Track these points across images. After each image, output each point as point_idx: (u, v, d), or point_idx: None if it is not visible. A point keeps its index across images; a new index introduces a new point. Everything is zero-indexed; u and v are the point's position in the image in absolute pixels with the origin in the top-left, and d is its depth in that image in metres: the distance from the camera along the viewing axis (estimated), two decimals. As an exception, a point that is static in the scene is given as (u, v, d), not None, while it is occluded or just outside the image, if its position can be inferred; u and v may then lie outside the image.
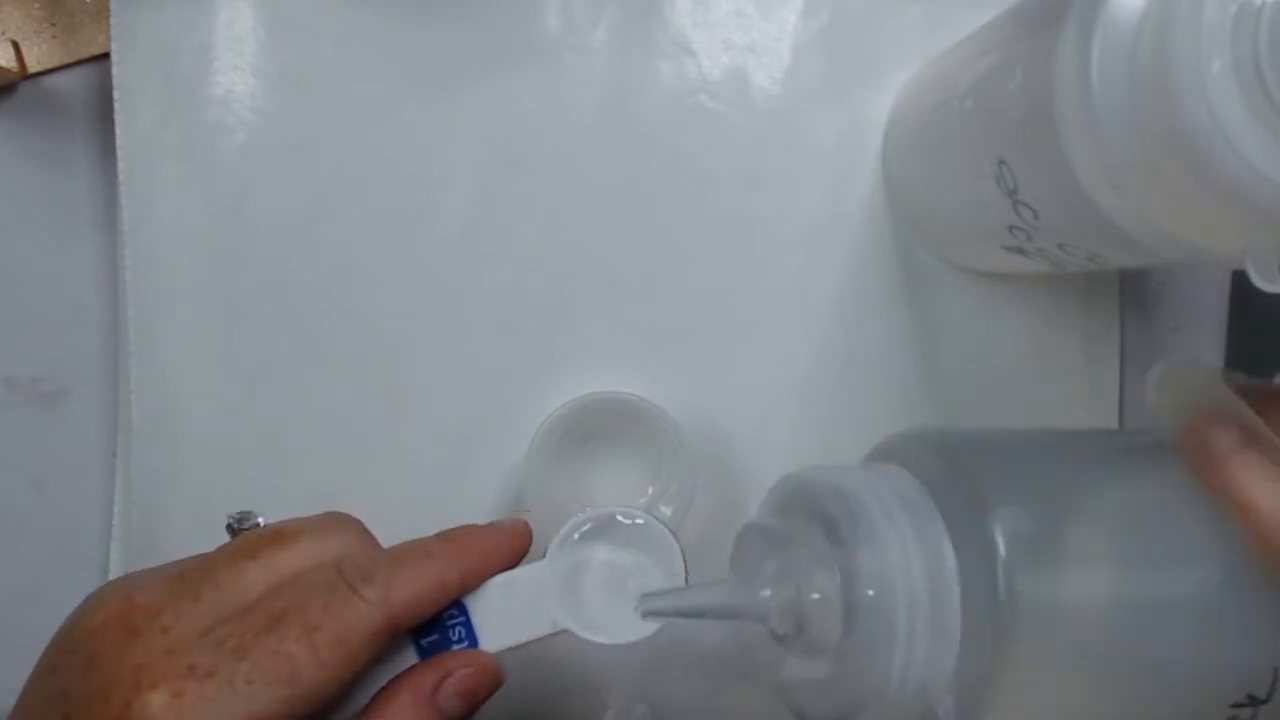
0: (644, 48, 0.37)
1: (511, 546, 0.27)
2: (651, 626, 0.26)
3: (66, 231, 0.37)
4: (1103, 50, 0.21)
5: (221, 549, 0.26)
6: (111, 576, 0.37)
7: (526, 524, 0.28)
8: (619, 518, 0.28)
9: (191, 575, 0.24)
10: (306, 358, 0.36)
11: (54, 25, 0.37)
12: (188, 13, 0.36)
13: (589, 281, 0.37)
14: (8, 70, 0.36)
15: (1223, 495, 0.23)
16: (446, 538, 0.27)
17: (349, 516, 0.27)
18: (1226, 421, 0.23)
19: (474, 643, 0.26)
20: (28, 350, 0.37)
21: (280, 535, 0.25)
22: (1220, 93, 0.19)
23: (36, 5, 0.37)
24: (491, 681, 0.26)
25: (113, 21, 0.36)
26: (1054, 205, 0.25)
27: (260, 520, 0.27)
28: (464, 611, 0.26)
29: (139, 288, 0.36)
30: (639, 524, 0.28)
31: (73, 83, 0.37)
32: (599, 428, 0.35)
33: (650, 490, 0.35)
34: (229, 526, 0.27)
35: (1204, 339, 0.39)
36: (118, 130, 0.36)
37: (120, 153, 0.36)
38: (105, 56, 0.36)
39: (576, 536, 0.28)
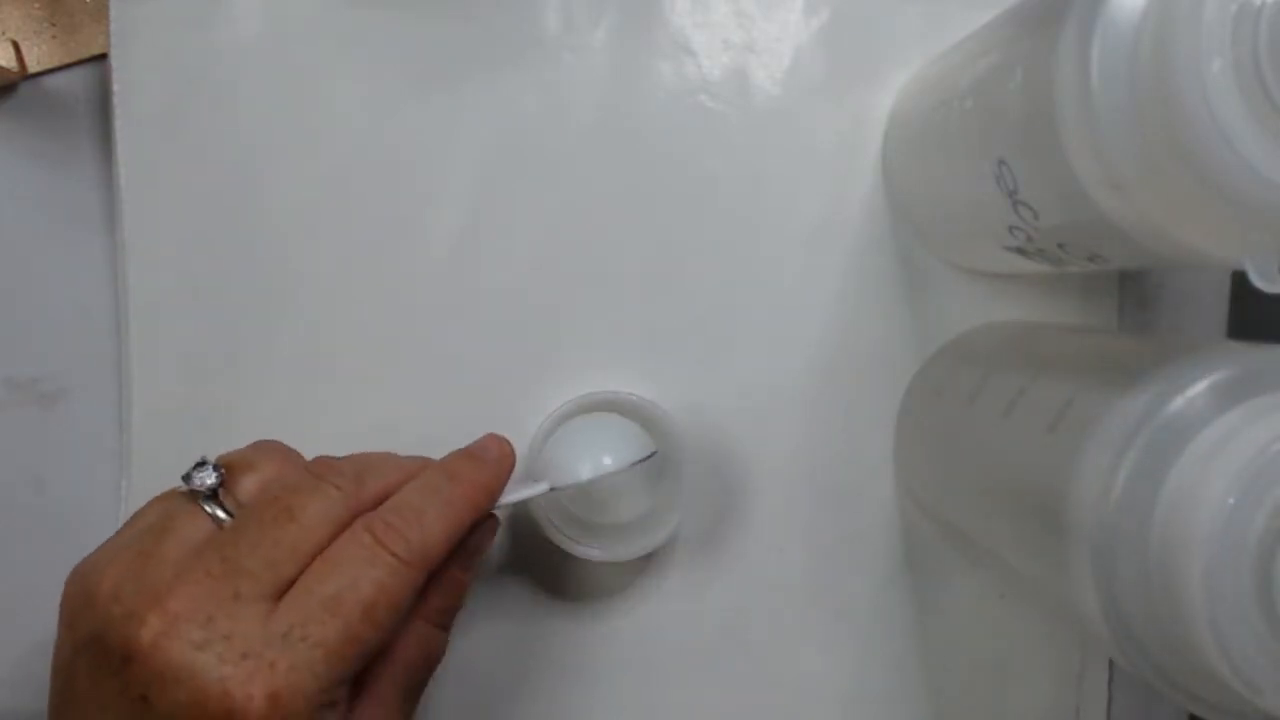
0: (644, 48, 0.37)
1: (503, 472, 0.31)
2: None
3: (66, 232, 0.37)
4: (1103, 50, 0.21)
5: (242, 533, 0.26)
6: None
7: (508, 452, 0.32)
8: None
9: (219, 570, 0.25)
10: (306, 357, 0.36)
11: (54, 25, 0.37)
12: (187, 12, 0.36)
13: (589, 281, 0.37)
14: (8, 70, 0.36)
15: None
16: (452, 478, 0.30)
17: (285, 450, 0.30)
18: None
19: None
20: (28, 350, 0.37)
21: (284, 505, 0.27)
22: (1220, 93, 0.19)
23: (36, 5, 0.37)
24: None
25: (113, 21, 0.36)
26: (1054, 205, 0.25)
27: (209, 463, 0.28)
28: None
29: (139, 288, 0.36)
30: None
31: (73, 83, 0.37)
32: (599, 428, 0.35)
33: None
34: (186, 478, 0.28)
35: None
36: (117, 130, 0.36)
37: (120, 153, 0.36)
38: (105, 56, 0.36)
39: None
